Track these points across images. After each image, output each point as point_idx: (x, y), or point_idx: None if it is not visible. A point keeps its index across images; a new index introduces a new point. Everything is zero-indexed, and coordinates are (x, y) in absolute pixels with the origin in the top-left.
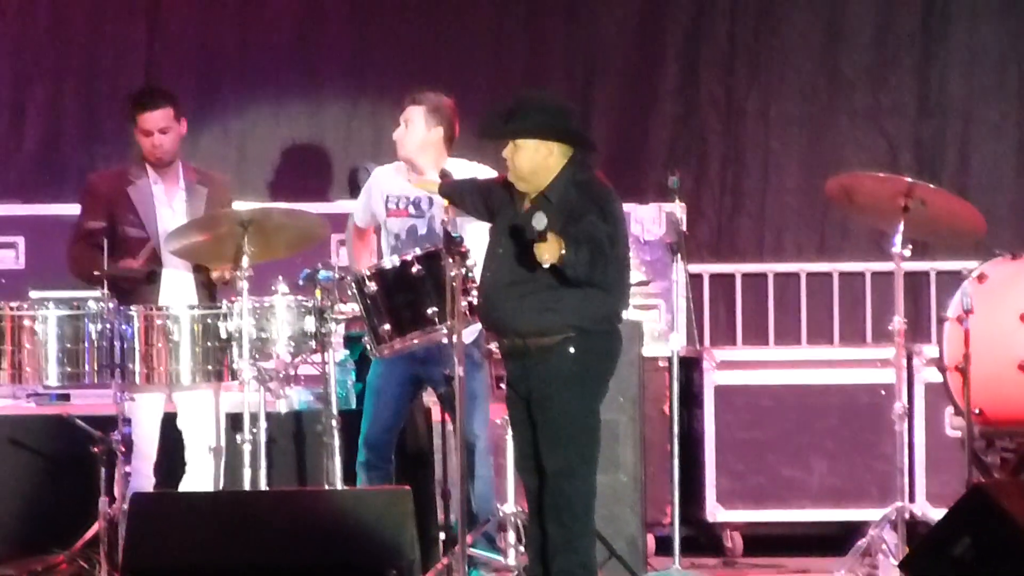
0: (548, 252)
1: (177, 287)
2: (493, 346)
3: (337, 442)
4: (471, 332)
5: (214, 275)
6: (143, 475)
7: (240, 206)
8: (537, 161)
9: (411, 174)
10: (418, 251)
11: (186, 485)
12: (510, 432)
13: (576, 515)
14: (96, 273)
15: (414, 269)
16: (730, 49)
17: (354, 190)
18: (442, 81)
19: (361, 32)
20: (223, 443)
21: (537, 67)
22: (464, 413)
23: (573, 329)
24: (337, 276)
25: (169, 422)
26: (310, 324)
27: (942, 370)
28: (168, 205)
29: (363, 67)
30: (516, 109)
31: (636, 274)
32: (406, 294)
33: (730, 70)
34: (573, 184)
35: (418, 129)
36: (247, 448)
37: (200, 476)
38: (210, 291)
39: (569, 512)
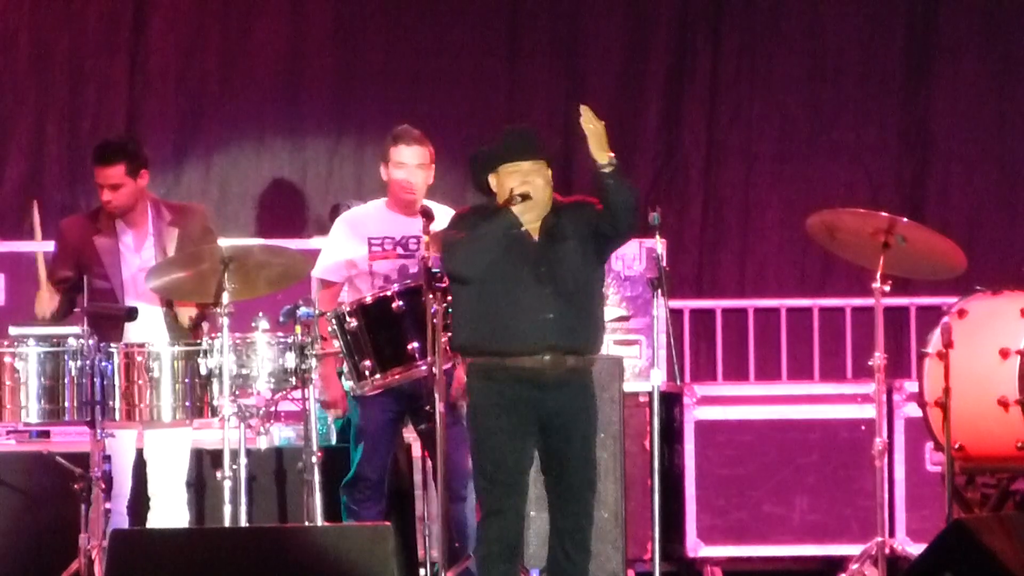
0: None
1: (147, 325)
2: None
3: (318, 478)
4: None
5: (182, 318)
6: (117, 513)
7: (221, 243)
8: (550, 187)
9: (401, 216)
10: (398, 287)
11: (153, 521)
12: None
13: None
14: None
15: (395, 305)
16: (712, 86)
17: None
18: (424, 119)
19: (343, 69)
20: (192, 478)
21: (519, 106)
22: (447, 448)
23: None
24: (317, 312)
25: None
26: (291, 360)
27: (922, 406)
28: (136, 253)
29: (345, 104)
30: (531, 135)
31: (617, 310)
32: (387, 330)
33: (712, 106)
34: (554, 210)
35: (430, 172)
36: (227, 485)
37: (168, 512)
38: (179, 329)
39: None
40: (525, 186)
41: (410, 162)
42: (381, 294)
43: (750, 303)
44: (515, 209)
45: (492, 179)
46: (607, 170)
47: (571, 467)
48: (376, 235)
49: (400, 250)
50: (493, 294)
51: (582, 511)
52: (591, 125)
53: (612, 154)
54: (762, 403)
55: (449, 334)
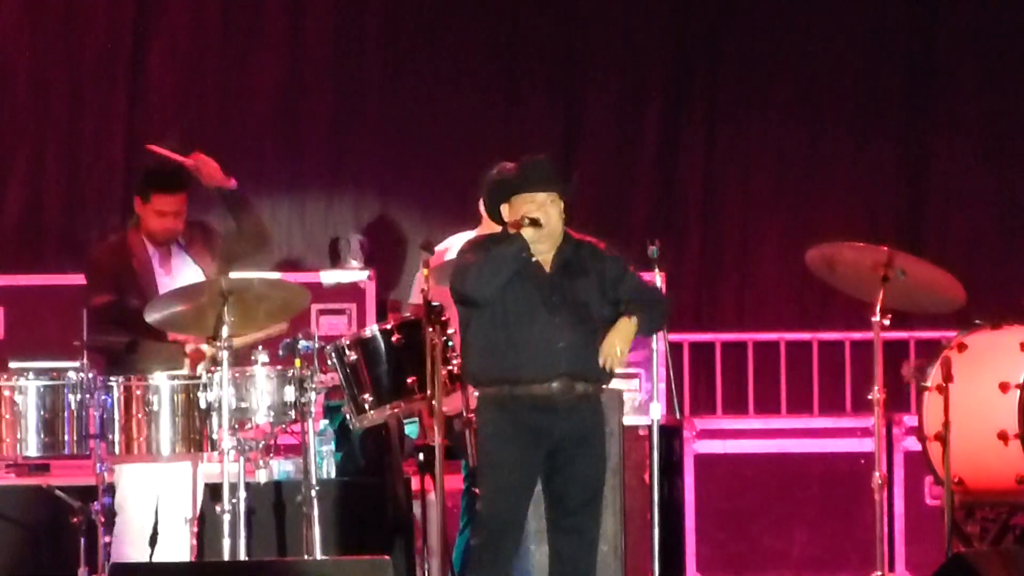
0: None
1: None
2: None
3: (317, 512)
4: None
5: (191, 351)
6: (133, 546)
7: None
8: (562, 220)
9: None
10: (395, 321)
11: (160, 555)
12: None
13: None
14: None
15: (394, 338)
16: (709, 119)
17: (335, 260)
18: (422, 153)
19: (342, 102)
20: (196, 513)
21: (516, 138)
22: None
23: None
24: (316, 346)
25: None
26: (290, 394)
27: (922, 439)
28: (167, 275)
29: (344, 137)
30: (548, 166)
31: None
32: (386, 363)
33: (710, 139)
34: (571, 244)
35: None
36: (226, 518)
37: (175, 546)
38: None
39: None
40: (536, 213)
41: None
42: (381, 327)
43: (749, 336)
44: (525, 234)
45: (505, 208)
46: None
47: (573, 489)
48: None
49: None
50: (504, 322)
51: (583, 533)
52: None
53: (632, 320)
54: (762, 437)
55: (458, 362)
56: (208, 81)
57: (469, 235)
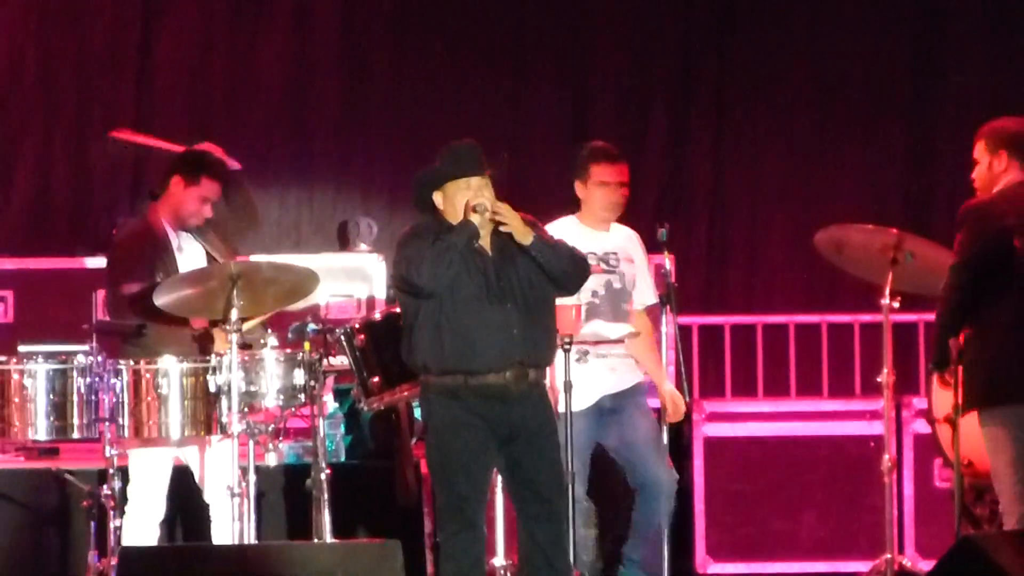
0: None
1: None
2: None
3: (326, 495)
4: (637, 374)
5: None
6: (149, 530)
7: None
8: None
9: (597, 231)
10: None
11: (216, 532)
12: (500, 482)
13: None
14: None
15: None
16: (718, 102)
17: (344, 244)
18: (429, 138)
19: (350, 88)
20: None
21: (525, 123)
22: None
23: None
24: (326, 329)
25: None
26: (299, 377)
27: (931, 422)
28: (187, 256)
29: (352, 122)
30: (478, 151)
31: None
32: (396, 346)
33: (719, 122)
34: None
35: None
36: (235, 502)
37: (223, 519)
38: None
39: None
40: (477, 199)
41: (615, 179)
42: (389, 310)
43: (758, 319)
44: (475, 220)
45: (438, 196)
46: (534, 252)
47: (544, 475)
48: (583, 249)
49: (603, 265)
50: (454, 311)
51: (559, 518)
52: (502, 213)
53: (533, 233)
54: (771, 420)
55: (404, 351)
56: (216, 65)
57: (568, 221)
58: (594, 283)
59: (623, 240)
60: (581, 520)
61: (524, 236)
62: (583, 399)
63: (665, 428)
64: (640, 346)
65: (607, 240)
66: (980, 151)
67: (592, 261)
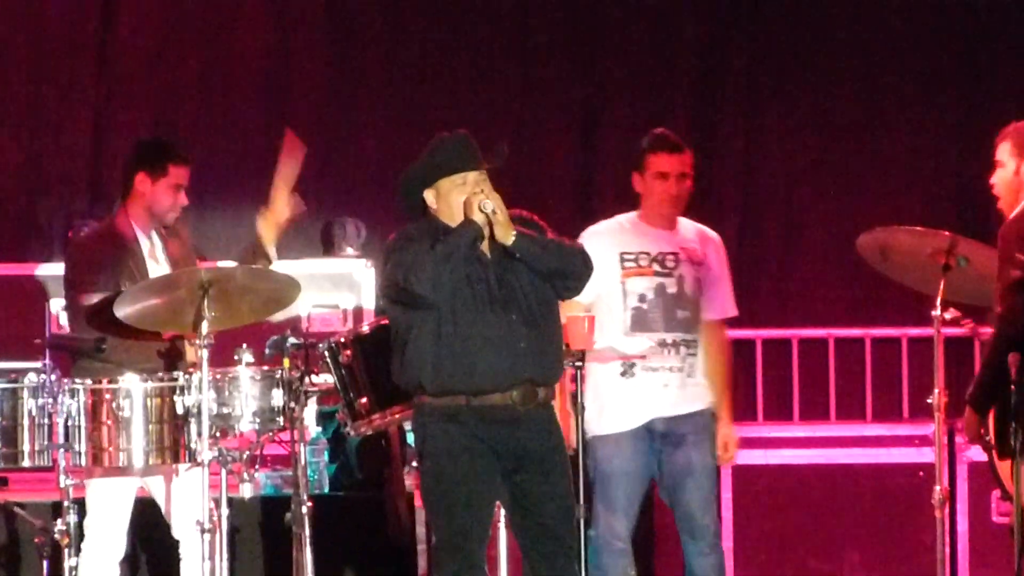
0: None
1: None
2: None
3: (308, 531)
4: (702, 399)
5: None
6: (109, 570)
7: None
8: None
9: (657, 229)
10: None
11: (186, 569)
12: (504, 517)
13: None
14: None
15: None
16: (747, 90)
17: (328, 247)
18: (426, 127)
19: (338, 70)
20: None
21: (531, 112)
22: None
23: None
24: (308, 344)
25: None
26: (278, 398)
27: (988, 449)
28: (155, 260)
29: (338, 110)
30: (473, 143)
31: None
32: (386, 363)
33: (748, 114)
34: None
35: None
36: (206, 539)
37: (192, 558)
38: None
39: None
40: (479, 196)
41: (673, 171)
42: (379, 322)
43: (794, 333)
44: (479, 220)
45: (430, 194)
46: (517, 252)
47: (555, 509)
48: (630, 250)
49: (656, 267)
50: (452, 324)
51: (571, 557)
52: (491, 206)
53: (514, 232)
54: (808, 446)
55: (396, 369)
56: (187, 46)
57: (620, 218)
58: (642, 287)
59: (691, 240)
60: (619, 569)
61: (505, 235)
62: (627, 418)
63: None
64: (703, 364)
65: (667, 239)
66: (1005, 153)
67: (642, 263)
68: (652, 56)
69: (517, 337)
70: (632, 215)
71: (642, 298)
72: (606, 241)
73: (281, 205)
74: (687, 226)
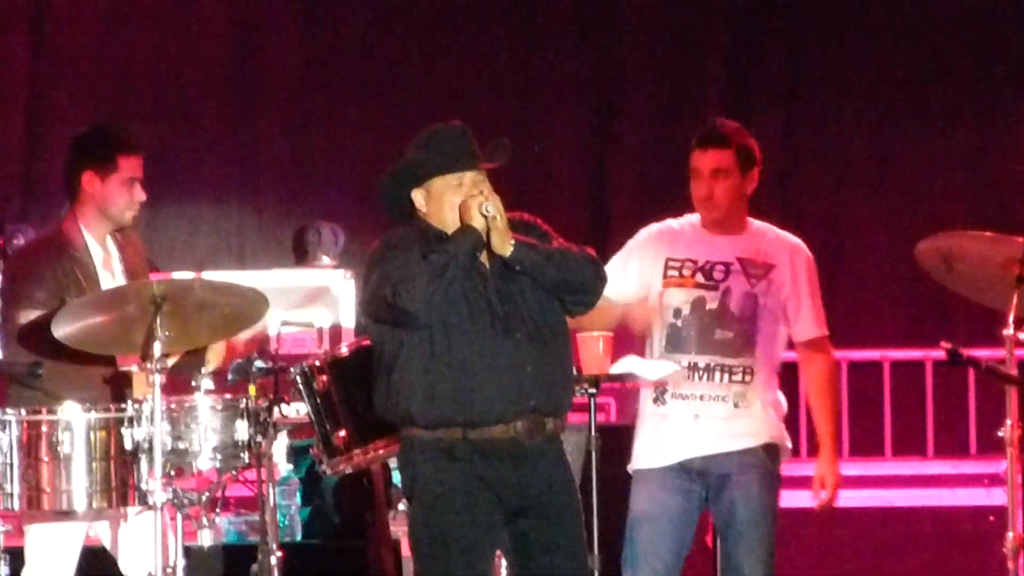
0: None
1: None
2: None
3: None
4: (754, 434)
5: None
6: None
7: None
8: None
9: (715, 235)
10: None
11: None
12: (504, 568)
13: None
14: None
15: None
16: (788, 80)
17: (301, 255)
18: (412, 118)
19: (311, 54)
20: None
21: (536, 100)
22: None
23: None
24: (277, 368)
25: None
26: (242, 431)
27: None
28: (110, 271)
29: (313, 97)
30: (470, 138)
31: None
32: (369, 391)
33: (788, 106)
34: None
35: (738, 181)
36: None
37: None
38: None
39: None
40: (479, 198)
41: (704, 168)
42: (360, 343)
43: (843, 355)
44: (479, 226)
45: (419, 195)
46: (517, 265)
47: (562, 554)
48: (677, 256)
49: (700, 277)
50: (447, 345)
51: None
52: (493, 209)
53: (513, 240)
54: (860, 486)
55: (380, 398)
56: (139, 18)
57: (676, 221)
58: (678, 300)
59: (761, 248)
60: None
61: (503, 244)
62: (656, 453)
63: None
64: (761, 395)
65: (725, 246)
66: None
67: (686, 272)
68: (674, 35)
69: (522, 360)
70: (684, 218)
71: (677, 313)
72: (656, 243)
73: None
74: (761, 232)
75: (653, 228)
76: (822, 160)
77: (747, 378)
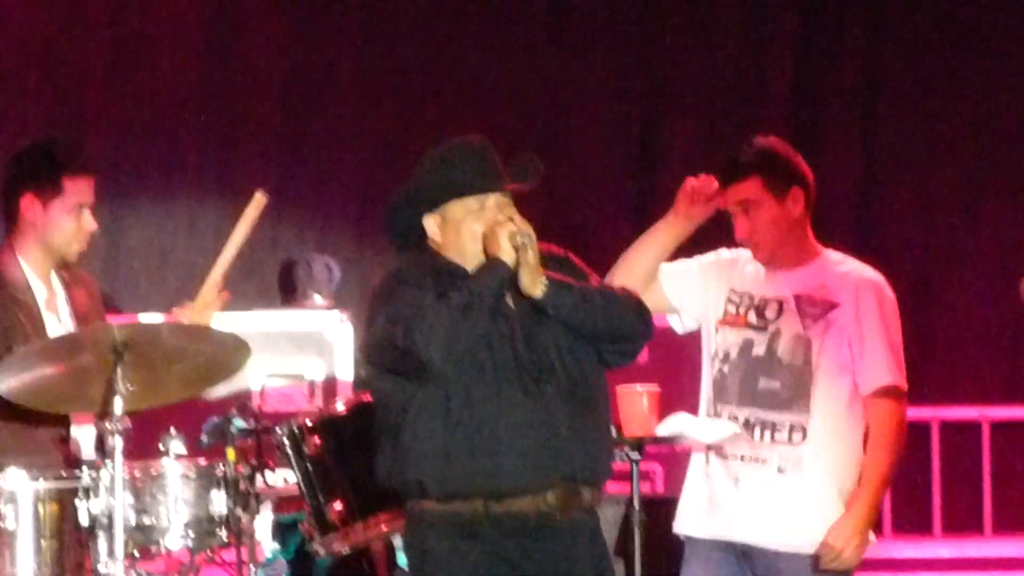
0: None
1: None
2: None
3: None
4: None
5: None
6: None
7: (112, 321)
8: None
9: (773, 269)
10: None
11: None
12: None
13: None
14: None
15: None
16: (867, 88)
17: (288, 293)
18: (430, 128)
19: (302, 50)
20: None
21: (573, 103)
22: None
23: None
24: (261, 428)
25: None
26: (219, 503)
27: None
28: (55, 313)
29: (302, 106)
30: (494, 155)
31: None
32: (368, 455)
33: (866, 115)
34: None
35: (772, 208)
36: None
37: None
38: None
39: None
40: (509, 225)
41: (733, 207)
42: (358, 399)
43: (933, 414)
44: (507, 259)
45: (431, 222)
46: (550, 307)
47: None
48: (739, 288)
49: (753, 316)
50: (469, 400)
51: None
52: (526, 239)
53: (544, 279)
54: (956, 568)
55: (384, 464)
56: (93, 23)
57: (729, 254)
58: (728, 342)
59: (824, 284)
60: None
61: (532, 283)
62: (700, 521)
63: None
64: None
65: (782, 281)
66: None
67: (742, 309)
68: (734, 44)
69: (554, 419)
70: (736, 250)
71: (726, 358)
72: (726, 271)
73: (211, 299)
74: (831, 264)
75: (724, 254)
76: (907, 188)
77: (797, 438)
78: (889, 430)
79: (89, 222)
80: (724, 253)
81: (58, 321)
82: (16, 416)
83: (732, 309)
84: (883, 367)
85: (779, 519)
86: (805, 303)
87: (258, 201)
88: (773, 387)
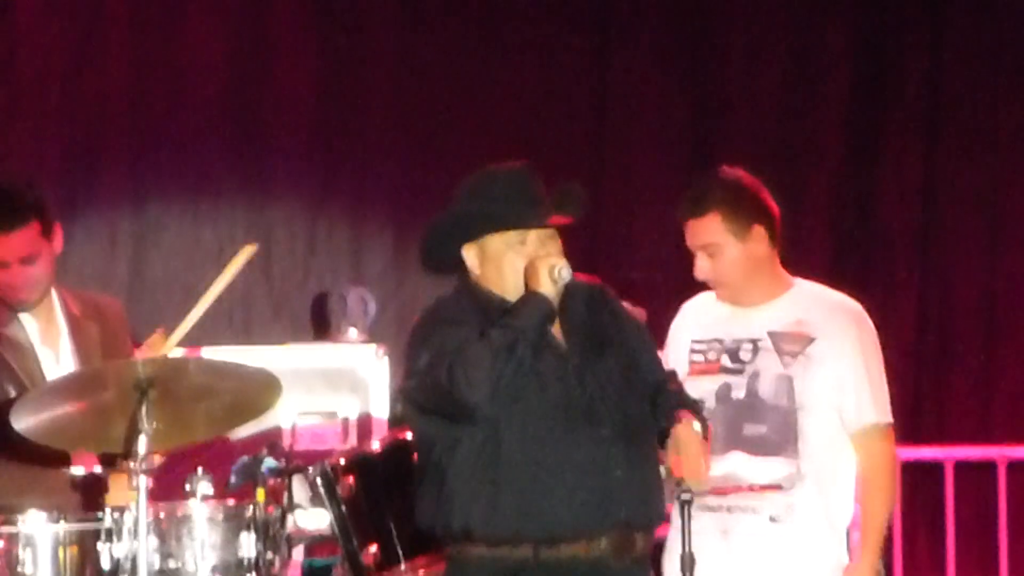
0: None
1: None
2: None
3: None
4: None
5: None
6: None
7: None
8: None
9: (739, 306)
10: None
11: None
12: None
13: None
14: None
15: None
16: (929, 102)
17: (322, 327)
18: (471, 149)
19: (334, 68)
20: None
21: (620, 127)
22: None
23: None
24: (292, 468)
25: None
26: (248, 547)
27: None
28: (53, 349)
29: (335, 126)
30: (539, 185)
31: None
32: (406, 497)
33: (930, 136)
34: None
35: (730, 247)
36: None
37: None
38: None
39: None
40: (551, 260)
41: (691, 246)
42: (395, 437)
43: (999, 453)
44: (549, 292)
45: (471, 252)
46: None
47: None
48: (702, 337)
49: (726, 360)
50: (518, 441)
51: None
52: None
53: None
54: None
55: (427, 508)
56: (112, 39)
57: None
58: (703, 389)
59: (797, 318)
60: None
61: (695, 482)
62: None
63: None
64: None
65: (751, 320)
66: None
67: (711, 356)
68: (789, 56)
69: (609, 461)
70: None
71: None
72: (683, 325)
73: (173, 343)
74: (804, 296)
75: (686, 305)
76: (972, 210)
77: (788, 484)
78: (885, 472)
79: (15, 279)
80: (686, 305)
81: (55, 358)
82: (34, 457)
83: (699, 358)
84: (868, 403)
85: (774, 572)
86: (781, 340)
87: (247, 252)
88: (760, 432)
